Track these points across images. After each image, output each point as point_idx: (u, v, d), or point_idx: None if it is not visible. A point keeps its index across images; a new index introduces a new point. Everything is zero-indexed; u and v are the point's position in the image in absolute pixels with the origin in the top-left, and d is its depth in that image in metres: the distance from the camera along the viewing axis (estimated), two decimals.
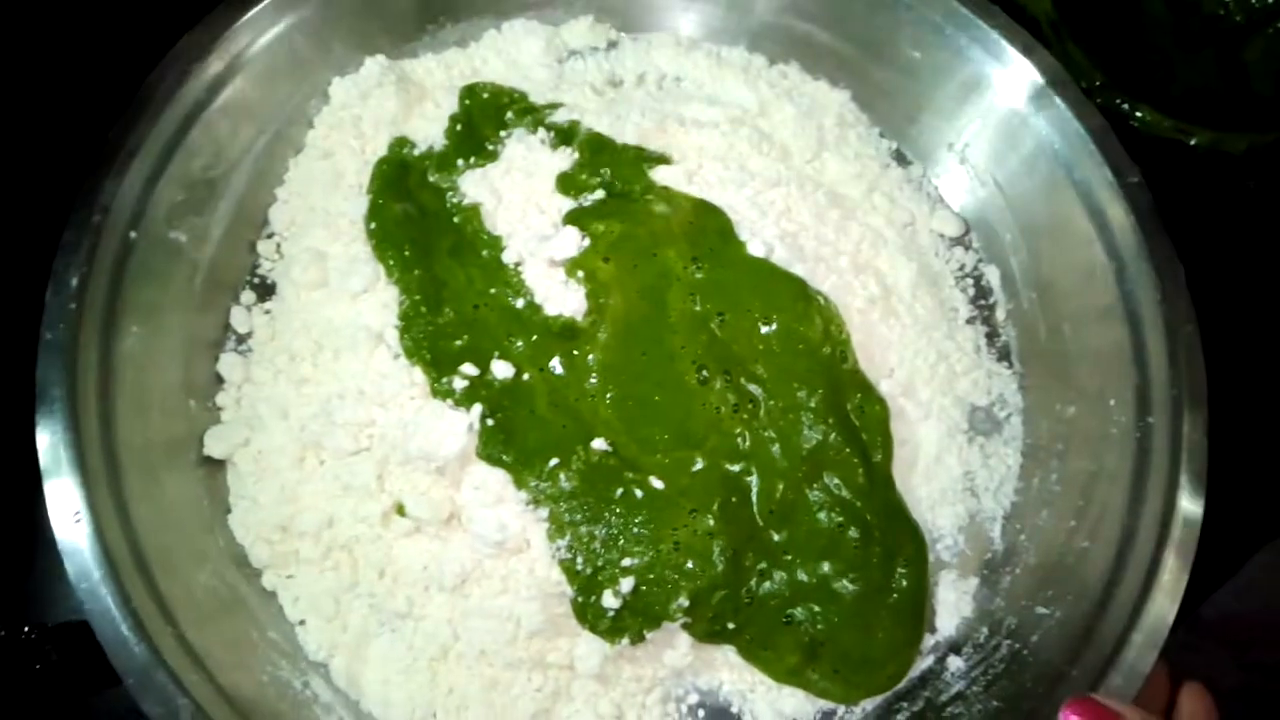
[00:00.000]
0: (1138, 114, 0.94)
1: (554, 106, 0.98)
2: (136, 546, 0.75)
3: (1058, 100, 0.90)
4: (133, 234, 0.82)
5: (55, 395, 0.76)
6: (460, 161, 0.96)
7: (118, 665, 0.70)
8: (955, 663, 0.83)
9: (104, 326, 0.80)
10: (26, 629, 0.78)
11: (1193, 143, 0.93)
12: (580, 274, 0.88)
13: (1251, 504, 0.91)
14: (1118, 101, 0.94)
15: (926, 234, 0.99)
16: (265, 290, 0.93)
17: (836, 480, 0.85)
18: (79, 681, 0.79)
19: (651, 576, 0.79)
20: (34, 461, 0.74)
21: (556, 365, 0.86)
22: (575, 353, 0.86)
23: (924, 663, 0.84)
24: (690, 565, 0.80)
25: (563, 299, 0.87)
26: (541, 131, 0.96)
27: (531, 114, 0.98)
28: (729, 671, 0.83)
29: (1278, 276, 1.00)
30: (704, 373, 0.86)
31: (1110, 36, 1.01)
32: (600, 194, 0.92)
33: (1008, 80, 0.93)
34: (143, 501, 0.78)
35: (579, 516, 0.81)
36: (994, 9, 0.93)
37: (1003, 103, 0.94)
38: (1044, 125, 0.91)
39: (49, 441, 0.74)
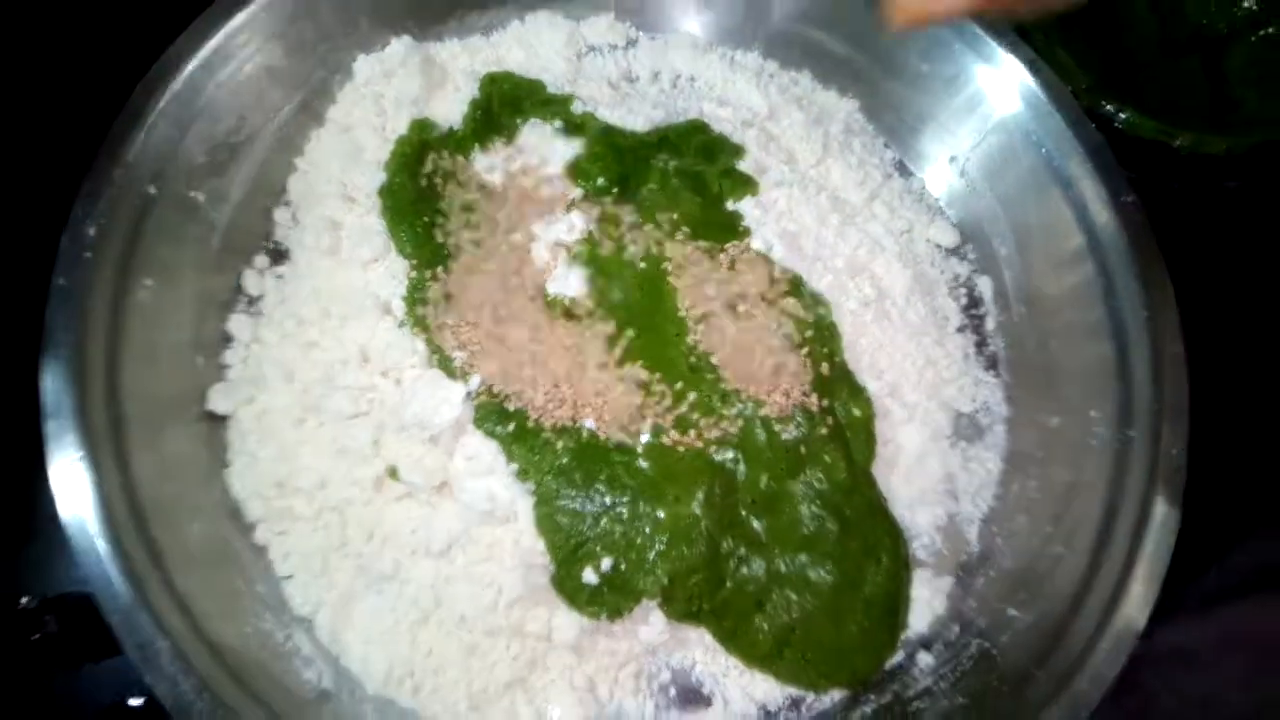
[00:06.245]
0: (1122, 115, 0.97)
1: (570, 98, 1.01)
2: (132, 493, 0.77)
3: (1059, 119, 0.92)
4: (152, 189, 0.85)
5: (63, 340, 0.77)
6: (476, 145, 0.98)
7: (103, 604, 0.71)
8: (925, 659, 0.84)
9: (117, 277, 0.82)
10: (24, 599, 0.80)
11: (1175, 144, 0.96)
12: (583, 258, 0.90)
13: (1229, 508, 0.91)
14: (1103, 103, 0.97)
15: (923, 243, 1.01)
16: (278, 255, 0.95)
17: (819, 474, 0.86)
18: (76, 651, 0.80)
19: (632, 556, 0.81)
20: (35, 436, 0.74)
21: None
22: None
23: (894, 657, 0.85)
24: (670, 547, 0.81)
25: (565, 281, 0.89)
26: (556, 121, 0.99)
27: (548, 105, 1.01)
28: (703, 652, 0.84)
29: (1256, 270, 1.02)
30: (695, 361, 0.88)
31: (1097, 41, 1.03)
32: (608, 183, 0.94)
33: (1011, 97, 0.95)
34: (143, 450, 0.79)
35: (566, 492, 0.82)
36: (1003, 26, 0.96)
37: (1005, 119, 0.96)
38: (1044, 143, 0.93)
39: (53, 385, 0.76)
